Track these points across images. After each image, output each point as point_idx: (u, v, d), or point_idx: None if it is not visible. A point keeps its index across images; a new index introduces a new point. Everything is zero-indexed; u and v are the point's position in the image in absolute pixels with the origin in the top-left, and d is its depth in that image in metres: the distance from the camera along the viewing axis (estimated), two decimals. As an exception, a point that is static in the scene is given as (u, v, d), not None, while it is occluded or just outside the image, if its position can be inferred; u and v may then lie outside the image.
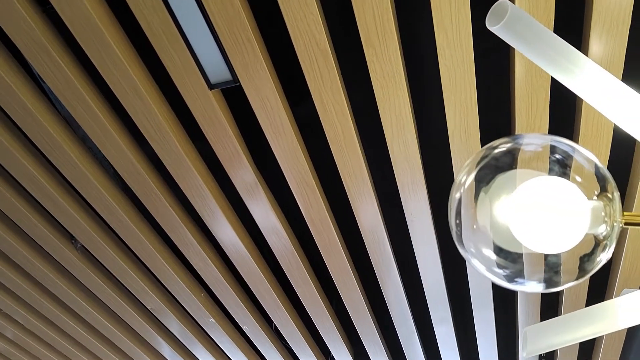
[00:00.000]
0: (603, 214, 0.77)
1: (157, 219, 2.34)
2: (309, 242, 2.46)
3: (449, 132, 1.83)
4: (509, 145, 0.84)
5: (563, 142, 0.82)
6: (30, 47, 1.64)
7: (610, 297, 2.50)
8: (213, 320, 3.11)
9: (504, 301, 2.87)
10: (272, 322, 3.15)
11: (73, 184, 2.16)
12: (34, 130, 1.92)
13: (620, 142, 1.80)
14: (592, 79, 0.80)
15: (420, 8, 1.58)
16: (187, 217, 2.39)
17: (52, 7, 1.53)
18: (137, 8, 1.53)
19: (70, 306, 3.11)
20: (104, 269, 2.78)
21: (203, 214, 2.28)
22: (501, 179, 0.84)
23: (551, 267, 0.83)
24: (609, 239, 0.78)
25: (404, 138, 1.86)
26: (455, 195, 0.85)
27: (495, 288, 2.64)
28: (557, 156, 0.82)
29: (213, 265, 2.60)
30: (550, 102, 1.71)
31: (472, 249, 0.86)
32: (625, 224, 0.79)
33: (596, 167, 0.80)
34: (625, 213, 0.79)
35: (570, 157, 0.81)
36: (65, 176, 2.13)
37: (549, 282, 0.85)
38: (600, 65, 1.36)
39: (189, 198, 2.20)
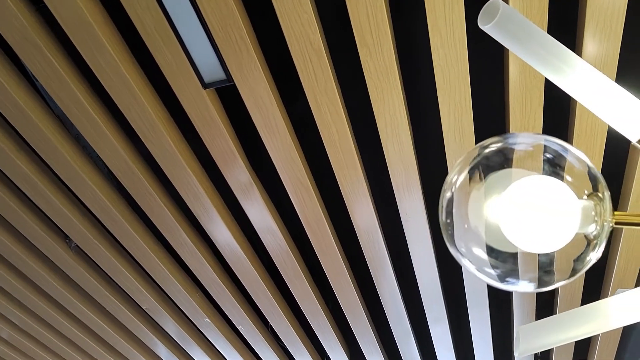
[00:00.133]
0: (593, 213, 0.77)
1: (151, 219, 2.33)
2: (304, 242, 2.46)
3: (444, 132, 1.83)
4: (500, 144, 0.84)
5: (554, 142, 0.82)
6: (23, 46, 1.63)
7: (606, 297, 2.50)
8: (208, 320, 3.10)
9: (500, 300, 2.87)
10: (268, 322, 3.15)
11: (67, 183, 2.15)
12: (27, 128, 1.91)
13: (614, 142, 1.80)
14: (583, 78, 0.80)
15: (415, 8, 1.58)
16: (181, 217, 2.38)
17: (45, 5, 1.52)
18: (130, 7, 1.52)
19: (65, 306, 3.10)
20: (99, 269, 2.77)
21: (198, 214, 2.28)
22: (492, 178, 0.84)
23: (542, 266, 0.83)
24: (599, 239, 0.78)
25: (399, 138, 1.86)
26: (446, 194, 0.85)
27: (491, 287, 2.64)
28: (548, 155, 0.82)
29: (208, 265, 2.60)
30: (544, 102, 1.71)
31: (463, 249, 0.86)
32: (616, 223, 0.79)
33: (587, 167, 0.80)
34: (615, 213, 0.79)
35: (561, 156, 0.81)
36: (59, 175, 2.12)
37: (539, 282, 0.84)
38: (595, 65, 1.36)
39: (183, 197, 2.19)
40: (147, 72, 1.79)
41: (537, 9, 1.44)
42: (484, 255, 0.85)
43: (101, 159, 2.05)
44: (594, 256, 0.79)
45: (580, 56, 1.53)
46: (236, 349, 3.44)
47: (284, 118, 1.84)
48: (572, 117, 1.78)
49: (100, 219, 2.35)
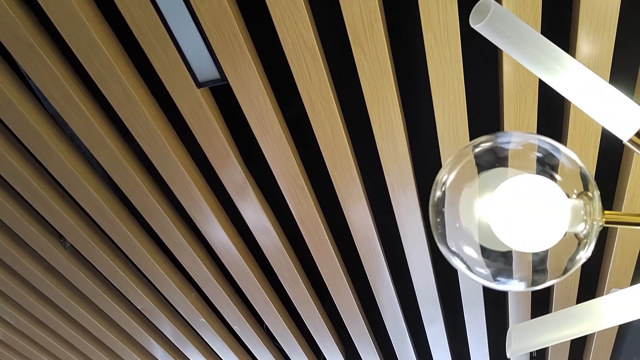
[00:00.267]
0: (583, 212, 0.77)
1: (146, 219, 2.33)
2: (299, 242, 2.46)
3: (438, 132, 1.83)
4: (490, 143, 0.84)
5: (544, 141, 0.82)
6: (17, 44, 1.63)
7: (601, 297, 2.50)
8: (204, 321, 3.10)
9: (495, 301, 2.87)
10: (264, 322, 3.14)
11: (61, 182, 2.14)
12: (20, 127, 1.90)
13: (609, 142, 1.80)
14: (575, 77, 0.80)
15: (409, 8, 1.58)
16: (176, 217, 2.38)
17: (38, 4, 1.52)
18: (123, 5, 1.52)
19: (60, 306, 3.09)
20: (94, 269, 2.77)
21: (192, 214, 2.27)
22: (483, 177, 0.84)
23: (532, 265, 0.83)
24: (589, 238, 0.78)
25: (393, 138, 1.86)
26: (436, 193, 0.85)
27: (486, 287, 2.64)
28: (539, 155, 0.82)
29: (203, 265, 2.59)
30: (539, 101, 1.71)
31: (454, 248, 0.86)
32: (606, 222, 0.79)
33: (577, 166, 0.80)
34: (605, 212, 0.79)
35: (551, 155, 0.81)
36: (53, 174, 2.11)
37: (530, 281, 0.84)
38: (588, 65, 1.36)
39: (178, 197, 2.19)
40: (140, 71, 1.78)
41: (531, 9, 1.44)
42: (474, 254, 0.85)
43: (95, 159, 2.04)
44: (584, 255, 0.79)
45: (574, 56, 1.53)
46: (232, 349, 3.44)
47: (278, 117, 1.84)
48: (566, 117, 1.78)
49: (94, 219, 2.35)
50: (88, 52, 1.63)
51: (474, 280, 0.87)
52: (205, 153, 1.99)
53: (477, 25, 0.79)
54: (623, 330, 2.90)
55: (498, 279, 0.86)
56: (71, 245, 2.55)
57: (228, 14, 1.52)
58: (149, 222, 2.35)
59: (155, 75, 1.71)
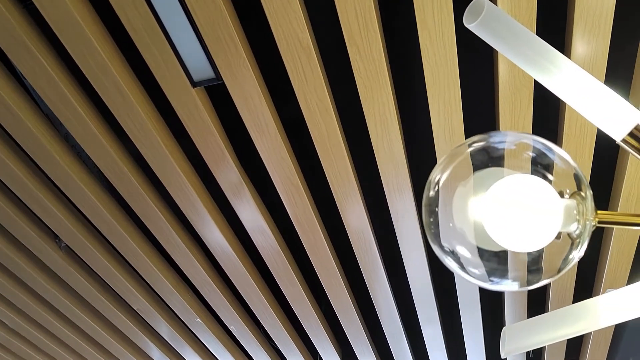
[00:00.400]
0: (575, 212, 0.77)
1: (142, 219, 2.32)
2: (295, 243, 2.45)
3: (434, 131, 1.82)
4: (483, 143, 0.84)
5: (537, 141, 0.82)
6: (11, 44, 1.62)
7: (597, 298, 2.50)
8: (200, 321, 3.09)
9: (492, 301, 2.87)
10: (260, 322, 3.14)
11: (56, 182, 2.14)
12: (15, 127, 1.89)
13: (604, 142, 1.80)
14: (569, 77, 0.79)
15: (404, 7, 1.58)
16: (172, 217, 2.37)
17: (32, 3, 1.51)
18: (117, 4, 1.51)
19: (56, 306, 3.08)
20: (89, 269, 2.76)
21: (188, 214, 2.27)
22: (476, 176, 0.83)
23: (524, 265, 0.83)
24: (581, 237, 0.78)
25: (389, 137, 1.85)
26: (429, 193, 0.84)
27: (483, 288, 2.64)
28: (532, 154, 0.81)
29: (199, 266, 2.59)
30: (534, 102, 1.71)
31: (447, 248, 0.86)
32: (599, 222, 0.79)
33: (570, 166, 0.80)
34: (598, 212, 0.79)
35: (544, 155, 0.81)
36: (48, 174, 2.10)
37: (523, 281, 0.84)
38: (583, 65, 1.36)
39: (173, 197, 2.18)
40: (136, 71, 1.78)
41: (526, 9, 1.44)
42: (468, 254, 0.85)
43: (90, 159, 2.03)
44: (576, 255, 0.79)
45: (569, 56, 1.53)
46: (228, 350, 3.43)
47: (273, 117, 1.83)
48: (562, 118, 1.78)
49: (90, 219, 2.34)
50: (83, 52, 1.63)
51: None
52: (201, 153, 1.98)
53: (471, 24, 0.78)
54: (619, 330, 2.90)
55: (491, 278, 0.85)
56: (66, 245, 2.54)
57: (223, 12, 1.51)
58: (144, 223, 2.34)
59: (151, 75, 1.71)
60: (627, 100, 0.79)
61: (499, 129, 1.79)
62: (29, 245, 2.53)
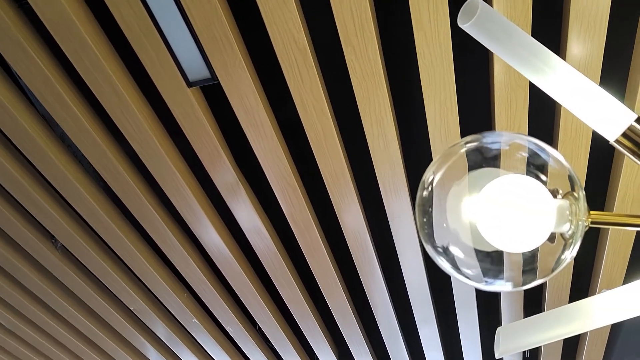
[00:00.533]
0: (568, 212, 0.77)
1: (138, 219, 2.32)
2: (292, 243, 2.45)
3: (430, 131, 1.82)
4: (477, 143, 0.84)
5: (531, 141, 0.82)
6: (7, 44, 1.62)
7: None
8: (196, 321, 3.09)
9: (488, 301, 2.88)
10: (256, 323, 3.13)
11: (52, 182, 2.13)
12: (11, 127, 1.89)
13: (600, 143, 1.80)
14: (563, 78, 0.80)
15: (399, 7, 1.58)
16: (168, 217, 2.37)
17: (27, 3, 1.51)
18: (113, 4, 1.51)
19: (52, 307, 3.07)
20: (85, 269, 2.75)
21: (184, 214, 2.27)
22: (470, 177, 0.83)
23: (518, 265, 0.83)
24: (574, 238, 0.78)
25: (384, 138, 1.85)
26: (423, 193, 0.84)
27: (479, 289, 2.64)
28: (525, 155, 0.82)
29: (195, 266, 2.58)
30: (530, 102, 1.71)
31: (440, 248, 0.86)
32: (592, 223, 0.79)
33: (563, 167, 0.80)
34: (591, 212, 0.79)
35: (537, 156, 0.81)
36: (44, 174, 2.10)
37: (516, 281, 0.84)
38: (579, 67, 1.36)
39: (169, 197, 2.18)
40: (131, 71, 1.77)
41: (521, 10, 1.44)
42: (461, 254, 0.85)
43: (86, 159, 2.03)
44: (569, 255, 0.79)
45: (565, 58, 1.53)
46: (225, 350, 3.43)
47: (269, 117, 1.83)
48: (557, 118, 1.79)
49: (86, 219, 2.33)
50: (78, 51, 1.62)
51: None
52: (197, 153, 1.98)
53: (465, 25, 0.78)
54: (615, 330, 2.90)
55: (485, 279, 0.85)
56: (63, 245, 2.54)
57: (218, 12, 1.51)
58: (140, 223, 2.34)
59: (146, 75, 1.71)
60: (622, 102, 0.79)
61: (494, 130, 1.79)
62: (25, 245, 2.53)
